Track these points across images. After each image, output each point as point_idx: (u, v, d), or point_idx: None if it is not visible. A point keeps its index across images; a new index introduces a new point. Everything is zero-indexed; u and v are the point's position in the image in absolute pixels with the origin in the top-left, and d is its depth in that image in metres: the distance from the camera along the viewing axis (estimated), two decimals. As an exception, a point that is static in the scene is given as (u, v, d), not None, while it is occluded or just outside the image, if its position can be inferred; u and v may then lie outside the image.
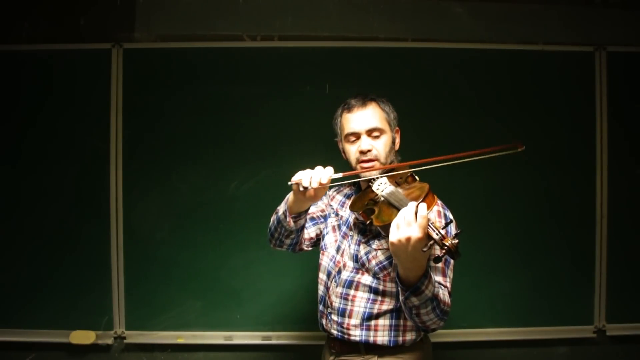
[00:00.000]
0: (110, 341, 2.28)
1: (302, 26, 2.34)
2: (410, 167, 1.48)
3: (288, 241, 1.62)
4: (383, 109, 1.55)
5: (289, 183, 1.44)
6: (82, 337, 2.25)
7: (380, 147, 1.51)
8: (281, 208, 1.57)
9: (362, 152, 1.50)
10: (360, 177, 1.54)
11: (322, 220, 1.72)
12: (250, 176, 2.28)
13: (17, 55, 2.28)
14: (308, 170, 1.41)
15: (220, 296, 2.28)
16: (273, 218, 1.61)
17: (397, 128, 1.59)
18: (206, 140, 2.28)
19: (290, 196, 1.51)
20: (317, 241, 1.72)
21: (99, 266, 2.26)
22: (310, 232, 1.70)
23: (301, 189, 1.41)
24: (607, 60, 2.31)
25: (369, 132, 1.52)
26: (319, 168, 1.41)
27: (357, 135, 1.53)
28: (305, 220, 1.60)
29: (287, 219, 1.53)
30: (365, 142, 1.51)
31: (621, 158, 2.32)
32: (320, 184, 1.38)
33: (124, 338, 2.28)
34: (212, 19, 2.33)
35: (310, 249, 1.73)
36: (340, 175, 1.44)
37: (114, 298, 2.26)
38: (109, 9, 2.32)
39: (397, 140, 1.60)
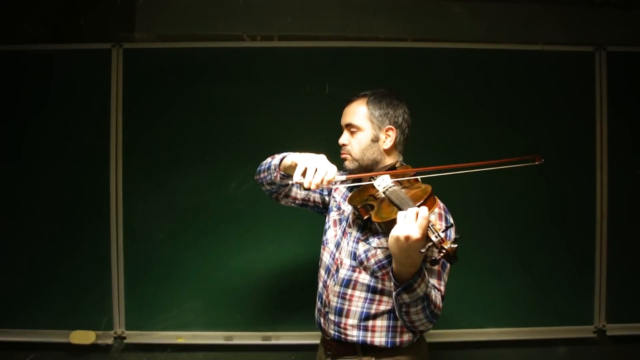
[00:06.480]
0: (110, 341, 2.28)
1: (302, 26, 2.34)
2: (417, 173, 1.48)
3: (268, 187, 1.66)
4: (368, 106, 1.55)
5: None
6: (82, 337, 2.25)
7: (354, 143, 1.57)
8: (276, 159, 1.57)
9: (340, 146, 1.60)
10: (361, 181, 1.51)
11: (317, 191, 1.70)
12: (250, 176, 2.24)
13: (17, 55, 2.28)
14: (312, 163, 1.35)
15: (220, 296, 2.28)
16: (268, 160, 1.63)
17: (389, 127, 1.55)
18: (206, 140, 2.28)
19: (288, 158, 1.48)
20: (301, 204, 1.72)
21: (99, 266, 2.26)
22: (300, 193, 1.71)
23: (297, 181, 1.36)
24: (607, 60, 2.31)
25: (347, 127, 1.59)
26: (322, 163, 1.35)
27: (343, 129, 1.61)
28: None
29: (275, 173, 1.57)
30: (342, 137, 1.60)
31: (621, 158, 2.32)
32: (322, 183, 1.34)
33: (124, 338, 2.28)
34: (212, 19, 2.33)
35: (289, 205, 1.73)
36: (343, 177, 1.51)
37: (114, 298, 2.26)
38: (109, 9, 2.32)
39: (387, 140, 1.55)
